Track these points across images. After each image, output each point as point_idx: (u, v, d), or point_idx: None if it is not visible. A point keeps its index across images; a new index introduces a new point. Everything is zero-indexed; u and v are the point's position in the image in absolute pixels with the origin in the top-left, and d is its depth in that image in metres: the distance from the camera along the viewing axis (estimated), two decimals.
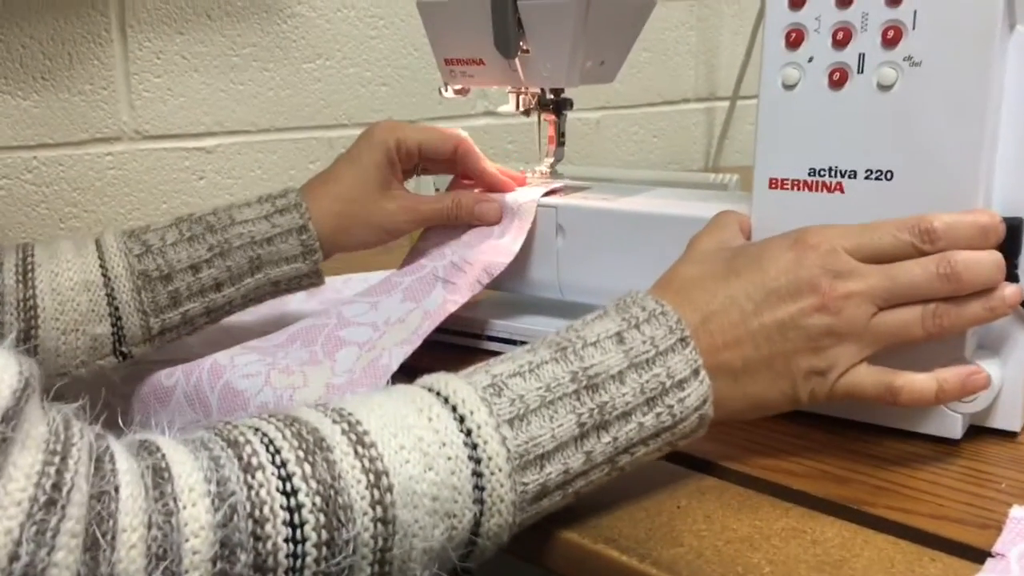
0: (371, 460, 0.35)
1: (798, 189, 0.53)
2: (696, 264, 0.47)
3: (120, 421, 0.40)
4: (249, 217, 0.60)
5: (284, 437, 0.35)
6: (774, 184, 0.54)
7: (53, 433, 0.30)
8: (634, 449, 0.41)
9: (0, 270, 0.54)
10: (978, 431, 0.52)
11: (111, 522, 0.29)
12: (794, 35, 0.52)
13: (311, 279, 0.62)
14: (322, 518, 0.33)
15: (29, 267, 0.54)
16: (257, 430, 0.35)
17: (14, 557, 0.26)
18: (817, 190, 0.52)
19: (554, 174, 0.69)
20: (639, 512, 0.45)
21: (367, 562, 0.34)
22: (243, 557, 0.31)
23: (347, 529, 0.33)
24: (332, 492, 0.34)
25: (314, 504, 0.33)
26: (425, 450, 0.36)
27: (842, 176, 0.52)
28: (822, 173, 0.52)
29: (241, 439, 0.35)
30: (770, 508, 0.46)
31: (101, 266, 0.55)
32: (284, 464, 0.34)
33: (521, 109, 0.69)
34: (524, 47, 0.64)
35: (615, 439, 0.40)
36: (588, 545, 0.43)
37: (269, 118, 1.08)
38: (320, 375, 0.58)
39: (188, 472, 0.32)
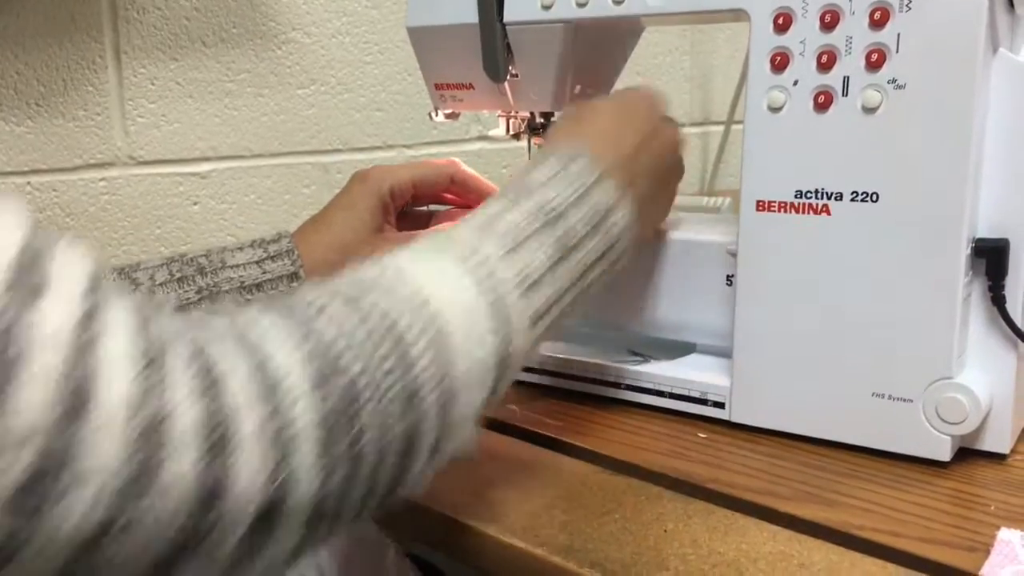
0: (426, 304, 0.36)
1: (785, 211, 0.53)
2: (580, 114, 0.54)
3: None
4: (240, 261, 0.59)
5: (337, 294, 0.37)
6: (761, 206, 0.54)
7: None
8: (589, 271, 0.46)
9: None
10: (967, 453, 0.51)
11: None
12: (779, 58, 0.53)
13: None
14: (389, 343, 0.34)
15: None
16: None
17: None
18: (804, 212, 0.53)
19: None
20: (625, 536, 0.45)
21: (434, 382, 0.34)
22: (337, 382, 0.30)
23: (411, 347, 0.34)
24: (394, 324, 0.35)
25: (381, 325, 0.34)
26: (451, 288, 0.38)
27: (828, 198, 0.52)
28: (808, 195, 0.52)
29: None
30: (757, 531, 0.45)
31: None
32: (347, 303, 0.34)
33: (511, 133, 0.69)
34: (513, 71, 0.64)
35: (579, 262, 0.46)
36: (574, 569, 0.43)
37: (263, 143, 1.08)
38: None
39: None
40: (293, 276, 0.60)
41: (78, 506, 0.23)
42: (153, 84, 0.98)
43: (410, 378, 0.33)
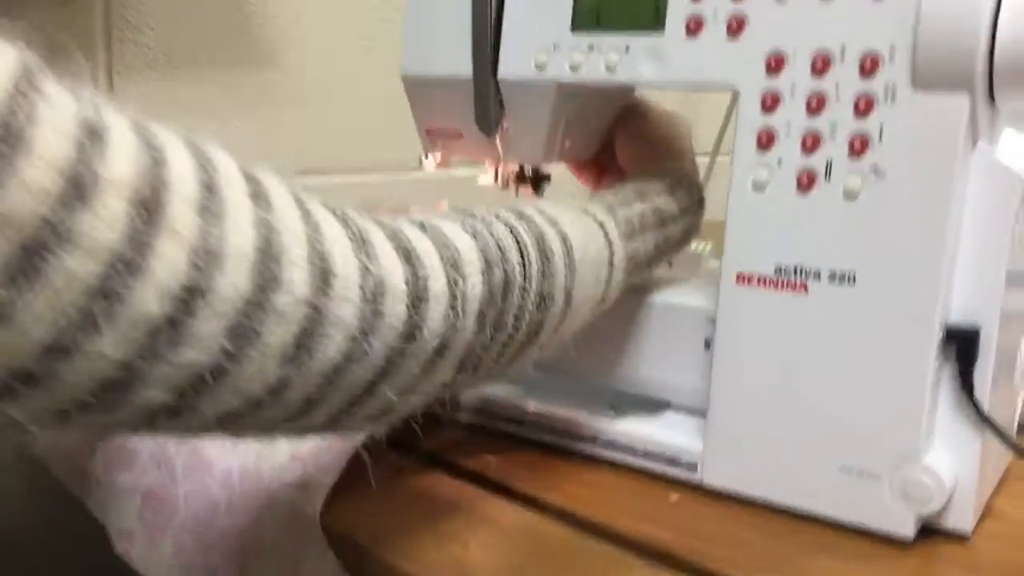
0: (560, 229, 0.48)
1: (764, 286, 0.54)
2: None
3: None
4: None
5: (498, 216, 0.45)
6: (741, 279, 0.55)
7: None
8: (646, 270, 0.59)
9: None
10: (931, 531, 0.53)
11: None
12: (765, 137, 0.54)
13: None
14: (535, 253, 0.44)
15: None
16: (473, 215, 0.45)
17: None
18: (782, 288, 0.54)
19: None
20: None
21: (560, 292, 0.46)
22: (496, 271, 0.40)
23: (551, 262, 0.45)
24: (541, 239, 0.45)
25: (530, 242, 0.44)
26: (584, 232, 0.50)
27: (806, 276, 0.53)
28: (787, 271, 0.54)
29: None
30: None
31: None
32: (507, 221, 0.44)
33: (500, 183, 0.70)
34: (504, 124, 0.65)
35: (650, 263, 0.59)
36: None
37: (254, 163, 1.08)
38: (284, 442, 0.59)
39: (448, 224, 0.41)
40: None
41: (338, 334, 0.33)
42: (145, 105, 0.98)
43: (547, 285, 0.44)
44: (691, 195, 0.63)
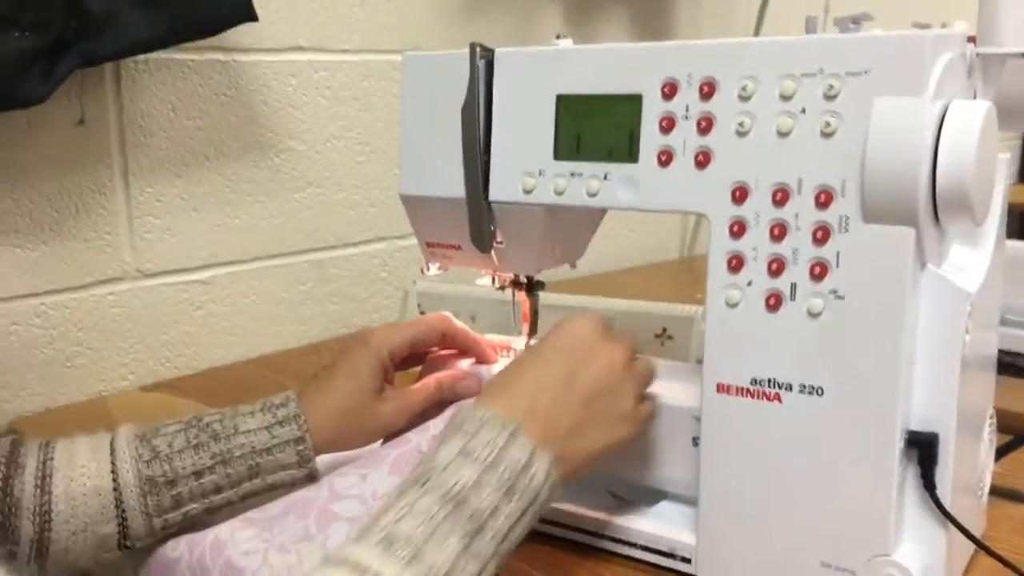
0: None
1: (741, 395, 0.59)
2: (512, 364, 0.61)
3: None
4: (252, 427, 0.65)
5: None
6: (721, 388, 0.60)
7: None
8: (510, 534, 0.52)
9: (22, 474, 0.60)
10: None
11: None
12: (735, 261, 0.59)
13: (304, 482, 0.68)
14: None
15: (48, 473, 0.60)
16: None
17: None
18: (758, 398, 0.59)
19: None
20: None
21: None
22: None
23: None
24: None
25: None
26: None
27: (779, 387, 0.58)
28: (762, 383, 0.59)
29: None
30: None
31: (112, 471, 0.61)
32: None
33: (497, 285, 0.75)
34: (498, 240, 0.70)
35: (494, 535, 0.50)
36: None
37: (262, 246, 1.14)
38: (313, 553, 0.64)
39: None
40: (299, 440, 0.66)
41: None
42: (159, 201, 1.04)
43: None
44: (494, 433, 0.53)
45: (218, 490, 0.64)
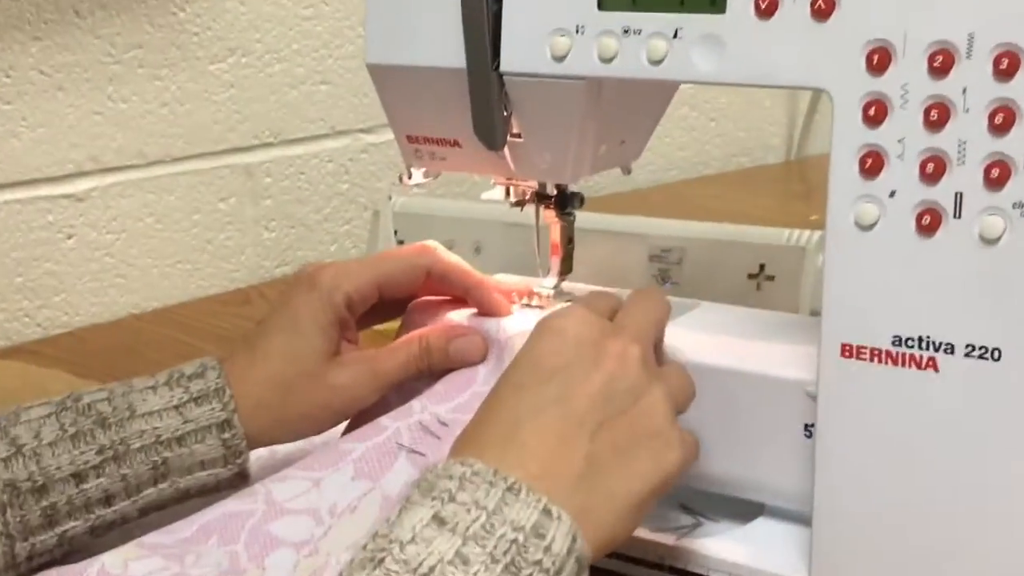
0: None
1: (879, 361, 0.59)
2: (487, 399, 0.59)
3: None
4: (155, 407, 0.65)
5: None
6: (847, 351, 0.60)
7: None
8: None
9: None
10: None
11: None
12: (871, 160, 0.58)
13: (232, 486, 0.68)
14: None
15: None
16: None
17: None
18: (903, 364, 0.59)
19: (559, 294, 0.75)
20: None
21: None
22: None
23: None
24: None
25: None
26: None
27: (936, 350, 0.58)
28: (910, 343, 0.58)
29: None
30: None
31: None
32: None
33: (513, 200, 0.75)
34: (514, 131, 0.70)
35: None
36: None
37: (163, 145, 1.13)
38: None
39: None
40: (224, 425, 0.66)
41: None
42: (7, 77, 1.03)
43: None
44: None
45: (107, 500, 0.64)
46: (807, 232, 0.88)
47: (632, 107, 0.72)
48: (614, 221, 0.93)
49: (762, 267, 0.90)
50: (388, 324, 0.77)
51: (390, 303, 0.73)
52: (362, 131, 1.26)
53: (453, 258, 0.73)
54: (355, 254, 1.24)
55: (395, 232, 1.02)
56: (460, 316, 0.74)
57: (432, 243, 0.73)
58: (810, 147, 1.67)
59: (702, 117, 1.59)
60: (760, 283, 0.89)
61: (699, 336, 0.70)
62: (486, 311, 0.73)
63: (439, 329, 0.72)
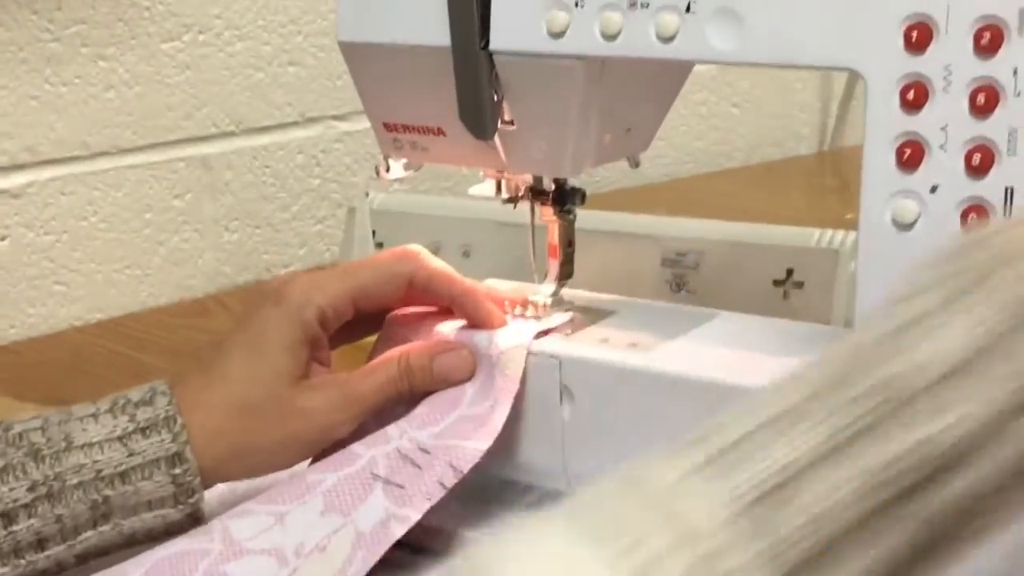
0: None
1: None
2: None
3: None
4: (95, 438, 0.65)
5: None
6: None
7: None
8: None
9: None
10: None
11: None
12: (909, 150, 0.59)
13: (185, 527, 0.68)
14: None
15: None
16: None
17: None
18: None
19: (558, 303, 0.76)
20: None
21: None
22: None
23: None
24: None
25: None
26: None
27: None
28: None
29: None
30: None
31: None
32: None
33: (505, 196, 0.75)
34: (506, 118, 0.70)
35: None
36: None
37: (109, 135, 1.13)
38: None
39: None
40: (174, 459, 0.66)
41: None
42: None
43: None
44: None
45: (40, 544, 0.64)
46: (840, 233, 0.88)
47: (639, 91, 0.72)
48: (621, 220, 0.93)
49: (790, 272, 0.90)
50: (365, 340, 0.77)
51: (367, 316, 0.73)
52: (336, 118, 1.26)
53: (438, 263, 0.73)
54: (328, 258, 1.24)
55: (373, 233, 1.02)
56: (446, 328, 0.74)
57: (414, 247, 0.73)
58: (846, 137, 1.67)
59: (723, 103, 1.59)
60: (787, 290, 0.89)
61: (718, 351, 0.70)
62: (476, 322, 0.73)
63: (421, 345, 0.72)
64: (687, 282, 0.92)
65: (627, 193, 1.36)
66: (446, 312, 0.75)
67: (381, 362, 0.72)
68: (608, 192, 1.30)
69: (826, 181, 1.57)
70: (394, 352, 0.72)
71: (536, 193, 0.74)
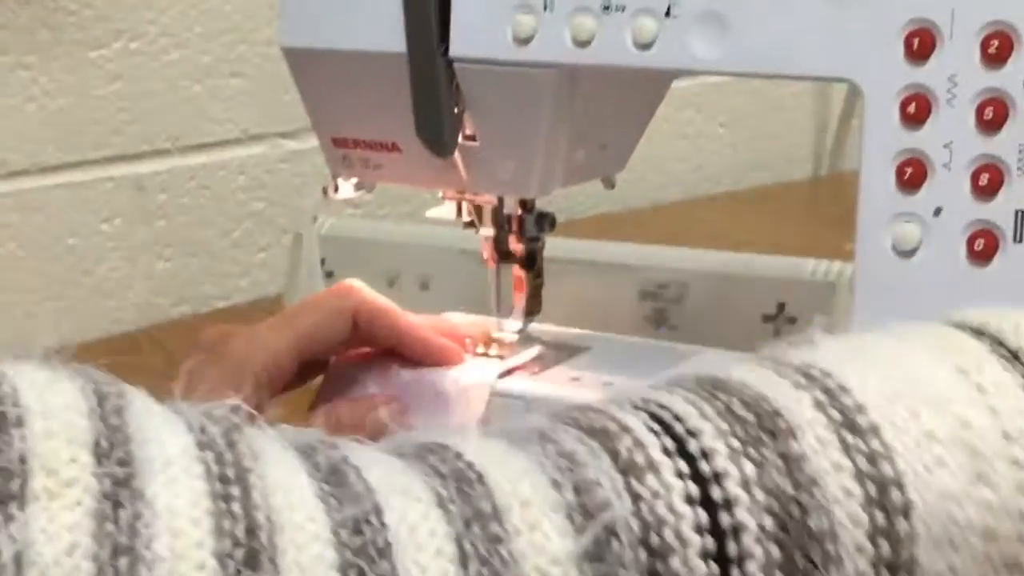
0: (871, 458, 0.39)
1: None
2: None
3: None
4: None
5: (701, 414, 0.40)
6: None
7: None
8: None
9: None
10: None
11: None
12: (911, 169, 0.59)
13: None
14: (777, 553, 0.38)
15: None
16: (642, 406, 0.41)
17: None
18: None
19: (524, 340, 0.75)
20: None
21: None
22: None
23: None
24: (796, 511, 0.38)
25: (763, 531, 0.38)
26: (973, 444, 0.40)
27: None
28: None
29: (611, 425, 0.40)
30: None
31: None
32: (704, 457, 0.39)
33: (467, 219, 0.75)
34: (467, 133, 0.70)
35: None
36: None
37: (30, 151, 1.13)
38: None
39: (512, 474, 0.38)
40: None
41: None
42: None
43: None
44: None
45: None
46: (837, 263, 0.88)
47: (615, 103, 0.73)
48: (596, 249, 0.93)
49: (781, 307, 0.90)
50: (313, 384, 0.77)
51: (311, 361, 0.73)
52: (282, 136, 1.26)
53: (381, 299, 0.73)
54: (272, 290, 1.24)
55: (322, 262, 1.01)
56: (402, 374, 0.74)
57: (353, 282, 0.73)
58: (846, 160, 1.68)
59: (710, 122, 1.60)
60: (779, 327, 0.89)
61: None
62: (428, 361, 0.73)
63: (351, 405, 0.72)
64: (668, 317, 0.92)
65: (603, 220, 1.36)
66: (393, 352, 0.74)
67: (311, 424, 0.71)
68: (582, 219, 1.29)
69: (823, 209, 1.57)
70: (322, 412, 0.72)
71: (499, 217, 0.74)
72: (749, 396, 0.41)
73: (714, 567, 0.37)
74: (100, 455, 0.36)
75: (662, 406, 0.41)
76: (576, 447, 0.39)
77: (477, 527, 0.37)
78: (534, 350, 0.75)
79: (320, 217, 1.03)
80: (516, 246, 0.74)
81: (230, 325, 0.73)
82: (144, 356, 1.14)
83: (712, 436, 0.39)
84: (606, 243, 0.95)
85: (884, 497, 0.39)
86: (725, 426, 0.40)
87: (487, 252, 0.75)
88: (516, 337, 0.75)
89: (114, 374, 1.05)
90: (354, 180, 0.76)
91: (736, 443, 0.39)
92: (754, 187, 1.63)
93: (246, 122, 1.24)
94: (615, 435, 0.40)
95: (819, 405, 0.40)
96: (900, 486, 0.39)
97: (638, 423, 0.40)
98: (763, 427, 0.40)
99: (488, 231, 0.74)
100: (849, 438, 0.39)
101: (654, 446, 0.39)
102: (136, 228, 1.19)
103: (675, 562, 0.37)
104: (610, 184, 0.76)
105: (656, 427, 0.40)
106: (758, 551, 0.37)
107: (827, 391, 0.41)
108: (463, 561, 0.36)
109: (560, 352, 0.76)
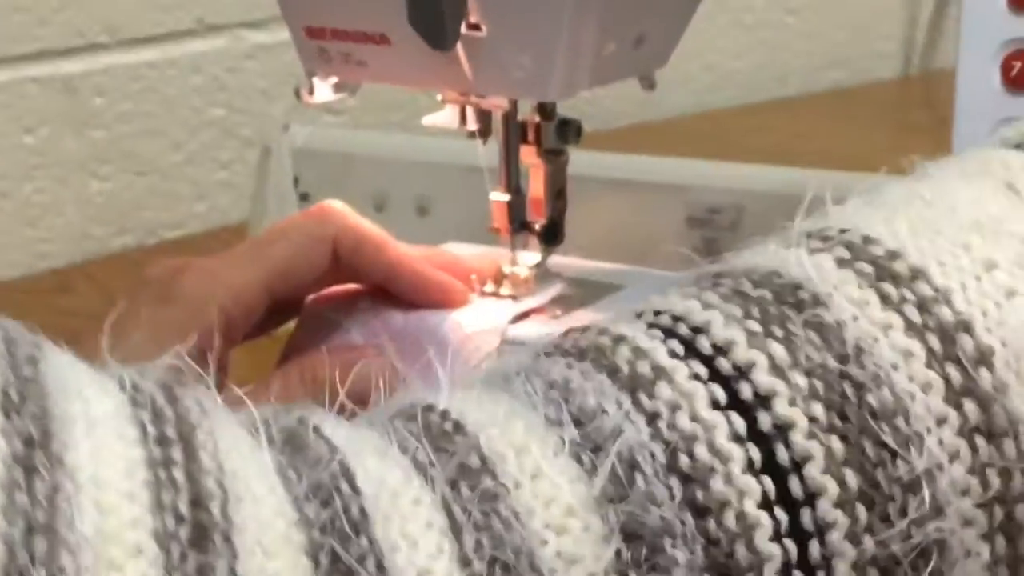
0: (921, 306, 0.40)
1: None
2: None
3: None
4: None
5: (705, 304, 0.41)
6: None
7: None
8: None
9: None
10: None
11: None
12: (1019, 64, 0.58)
13: None
14: (839, 447, 0.38)
15: None
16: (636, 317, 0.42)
17: None
18: None
19: (543, 276, 0.75)
20: None
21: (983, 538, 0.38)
22: (679, 554, 0.37)
23: (895, 469, 0.38)
24: (849, 390, 0.39)
25: (815, 423, 0.38)
26: None
27: None
28: None
29: (602, 339, 0.41)
30: None
31: None
32: (720, 352, 0.39)
33: (470, 127, 0.75)
34: (473, 20, 0.70)
35: None
36: None
37: None
38: None
39: (498, 418, 0.39)
40: None
41: None
42: None
43: None
44: None
45: None
46: None
47: None
48: (633, 165, 0.94)
49: None
50: (283, 329, 0.77)
51: (283, 300, 0.73)
52: (247, 26, 1.26)
53: (368, 225, 0.73)
54: (235, 216, 1.24)
55: (295, 181, 1.02)
56: (392, 317, 0.74)
57: (335, 203, 0.73)
58: (940, 56, 1.67)
59: (774, 9, 1.59)
60: None
61: None
62: (423, 301, 0.73)
63: (321, 358, 0.72)
64: (721, 247, 0.91)
65: (640, 129, 1.36)
66: (382, 291, 0.74)
67: (280, 377, 0.71)
68: (616, 128, 1.29)
69: (912, 115, 1.57)
70: (295, 366, 0.72)
71: (511, 123, 0.75)
72: (759, 275, 0.42)
73: (767, 481, 0.37)
74: (8, 408, 0.36)
75: (658, 312, 0.41)
76: (567, 373, 0.40)
77: (466, 487, 0.37)
78: (554, 289, 0.75)
79: (293, 127, 1.03)
80: (534, 160, 0.74)
81: (183, 258, 0.73)
82: (75, 296, 1.14)
83: (723, 325, 0.40)
84: (644, 158, 0.95)
85: (952, 348, 0.39)
86: (737, 311, 0.40)
87: (499, 220, 0.75)
88: (533, 272, 0.75)
89: (39, 317, 1.06)
90: (333, 80, 0.75)
91: (755, 325, 0.40)
92: (828, 90, 1.63)
93: (201, 9, 1.24)
94: (609, 349, 0.40)
95: (843, 262, 0.41)
96: (969, 330, 0.39)
97: (634, 331, 0.41)
98: (783, 302, 0.40)
99: (502, 196, 0.74)
100: (890, 289, 0.40)
101: (659, 351, 0.40)
102: (66, 140, 1.20)
103: (717, 484, 0.37)
104: (649, 84, 0.76)
105: (657, 333, 0.40)
106: (815, 448, 0.38)
107: (849, 246, 0.41)
108: (456, 531, 0.36)
109: (586, 291, 0.76)
